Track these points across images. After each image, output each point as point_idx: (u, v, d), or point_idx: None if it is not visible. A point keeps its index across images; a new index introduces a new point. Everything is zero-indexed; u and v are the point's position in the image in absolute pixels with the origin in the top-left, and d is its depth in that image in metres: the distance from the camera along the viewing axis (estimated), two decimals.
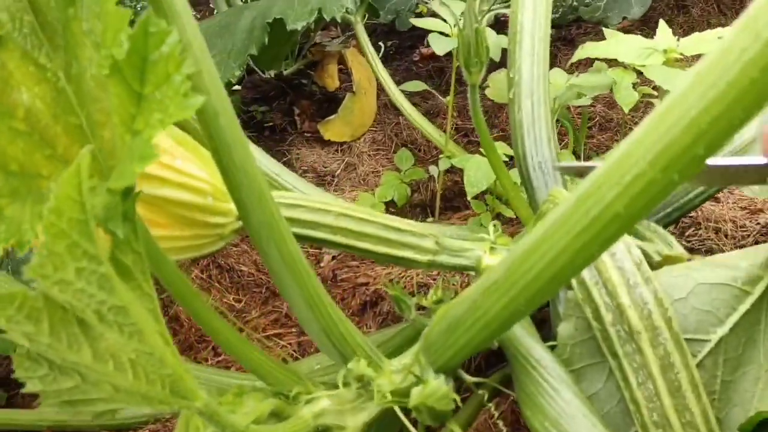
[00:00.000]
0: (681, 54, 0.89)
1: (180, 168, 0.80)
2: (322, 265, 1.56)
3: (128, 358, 0.64)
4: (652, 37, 1.24)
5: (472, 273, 1.28)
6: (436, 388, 0.72)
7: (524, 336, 0.89)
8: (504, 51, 1.21)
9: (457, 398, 0.72)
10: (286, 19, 1.41)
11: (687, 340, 0.81)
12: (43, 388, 0.64)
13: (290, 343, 1.30)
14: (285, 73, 2.35)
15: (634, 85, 1.38)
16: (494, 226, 0.99)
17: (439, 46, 1.18)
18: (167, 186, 0.78)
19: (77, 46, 0.67)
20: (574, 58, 1.04)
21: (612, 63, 1.68)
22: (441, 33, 1.22)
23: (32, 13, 0.68)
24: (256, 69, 2.33)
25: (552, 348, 0.90)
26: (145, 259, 0.64)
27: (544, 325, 1.02)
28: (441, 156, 1.50)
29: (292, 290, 0.82)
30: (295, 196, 0.92)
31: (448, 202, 1.77)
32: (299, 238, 0.92)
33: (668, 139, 0.45)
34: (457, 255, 0.96)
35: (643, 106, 1.98)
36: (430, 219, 1.62)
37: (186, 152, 0.82)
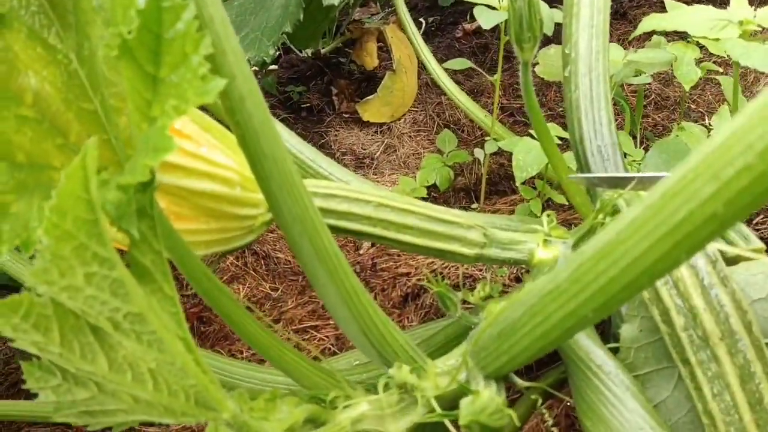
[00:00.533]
0: (759, 26, 0.79)
1: (206, 156, 0.73)
2: (360, 252, 1.50)
3: (148, 367, 0.58)
4: (716, 8, 1.13)
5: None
6: (488, 401, 0.65)
7: (583, 338, 0.81)
8: (557, 26, 1.12)
9: (513, 415, 0.65)
10: None
11: None
12: (57, 399, 0.59)
13: (327, 336, 1.24)
14: (322, 51, 2.27)
15: (697, 61, 1.28)
16: (548, 216, 0.90)
17: (485, 19, 1.09)
18: (192, 176, 0.72)
19: (88, 24, 0.60)
20: (638, 31, 0.95)
21: (671, 37, 1.56)
22: (487, 6, 1.14)
23: None
24: (293, 48, 2.26)
25: (613, 350, 0.82)
26: (165, 259, 0.58)
27: (603, 324, 0.94)
28: (487, 138, 1.41)
29: (328, 288, 0.75)
30: (331, 185, 0.85)
31: (493, 186, 1.68)
32: (336, 230, 0.85)
33: None
34: (507, 248, 0.88)
35: (703, 83, 1.85)
36: (475, 205, 1.54)
37: (212, 139, 0.75)
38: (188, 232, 0.75)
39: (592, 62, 0.88)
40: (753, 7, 0.87)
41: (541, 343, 0.61)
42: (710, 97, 1.86)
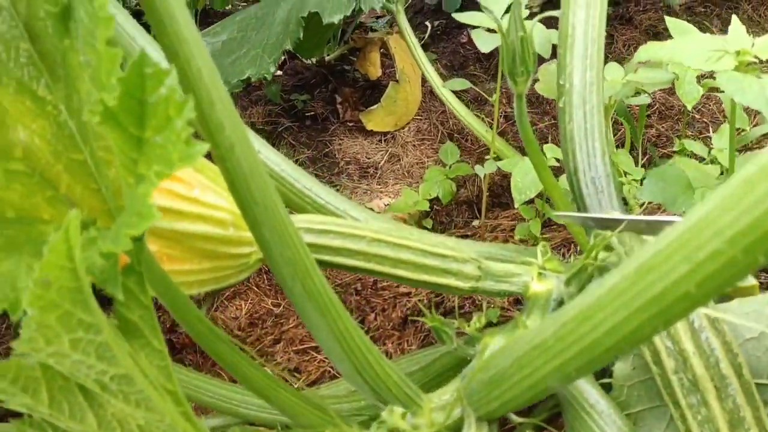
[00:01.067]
0: (756, 57, 0.79)
1: (198, 198, 0.74)
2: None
3: (137, 424, 0.59)
4: (716, 18, 1.12)
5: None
6: None
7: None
8: (554, 46, 1.11)
9: None
10: (322, 13, 1.33)
11: (759, 385, 0.72)
12: None
13: (327, 359, 1.25)
14: (327, 58, 2.27)
15: (699, 77, 1.27)
16: (542, 247, 0.90)
17: (483, 43, 1.08)
18: (184, 219, 0.72)
19: (77, 78, 0.61)
20: (634, 61, 0.94)
21: None
22: (486, 29, 1.13)
23: (29, 41, 0.62)
24: (297, 55, 2.26)
25: (606, 385, 0.82)
26: (154, 314, 0.58)
27: None
28: (487, 157, 1.41)
29: (320, 329, 0.76)
30: (326, 219, 0.85)
31: (496, 198, 1.68)
32: (330, 265, 0.85)
33: (757, 214, 0.36)
34: (501, 280, 0.88)
35: (707, 94, 1.83)
36: (476, 222, 1.53)
37: (205, 180, 0.76)
38: (181, 273, 0.76)
39: (586, 95, 0.88)
40: (751, 35, 0.86)
41: (529, 393, 0.61)
42: (714, 107, 1.85)
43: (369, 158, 2.01)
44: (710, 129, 1.78)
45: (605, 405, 0.77)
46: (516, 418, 0.80)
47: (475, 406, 0.73)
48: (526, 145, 0.91)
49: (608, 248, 0.81)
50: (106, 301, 0.55)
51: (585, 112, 0.88)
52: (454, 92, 1.74)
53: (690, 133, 1.74)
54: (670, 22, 1.20)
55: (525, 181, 1.17)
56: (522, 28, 0.81)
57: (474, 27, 1.15)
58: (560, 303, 0.84)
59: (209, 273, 0.78)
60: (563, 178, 1.07)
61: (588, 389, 0.79)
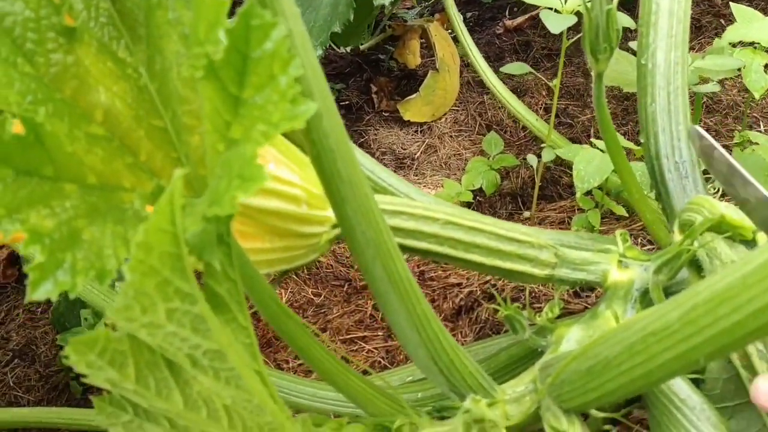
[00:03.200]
0: None
1: (272, 173, 0.70)
2: (406, 259, 1.46)
3: (223, 404, 0.55)
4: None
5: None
6: None
7: None
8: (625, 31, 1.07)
9: None
10: None
11: None
12: None
13: (377, 348, 1.21)
14: (362, 48, 2.23)
15: (765, 68, 1.22)
16: (621, 234, 0.86)
17: (553, 24, 1.04)
18: (259, 194, 0.68)
19: (161, 37, 0.57)
20: (723, 41, 0.90)
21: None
22: (553, 8, 1.09)
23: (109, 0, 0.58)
24: (332, 43, 2.22)
25: (696, 382, 0.77)
26: (241, 288, 0.54)
27: None
28: (542, 145, 1.36)
29: (399, 313, 0.72)
30: (396, 200, 0.81)
31: (540, 191, 1.63)
32: (402, 248, 0.81)
33: None
34: (579, 268, 0.84)
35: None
36: (526, 213, 1.49)
37: (278, 154, 0.72)
38: (252, 251, 0.72)
39: (670, 75, 0.84)
40: None
41: (639, 383, 0.57)
42: (765, 102, 1.80)
43: (405, 149, 1.97)
44: (761, 124, 1.73)
45: (697, 400, 0.73)
46: (599, 414, 0.76)
47: (564, 397, 0.68)
48: (601, 126, 0.86)
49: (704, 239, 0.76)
50: None
51: (669, 93, 0.84)
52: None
53: (740, 128, 1.69)
54: (736, 8, 1.16)
55: (588, 169, 1.12)
56: (609, 1, 0.77)
57: (542, 7, 1.11)
58: (644, 293, 0.80)
59: (279, 252, 0.74)
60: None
61: (678, 382, 0.74)
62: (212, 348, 0.50)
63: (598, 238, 0.89)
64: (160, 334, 0.47)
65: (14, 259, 1.59)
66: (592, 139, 1.23)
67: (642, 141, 0.89)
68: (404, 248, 0.81)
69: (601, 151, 1.13)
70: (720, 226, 0.74)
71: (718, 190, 0.95)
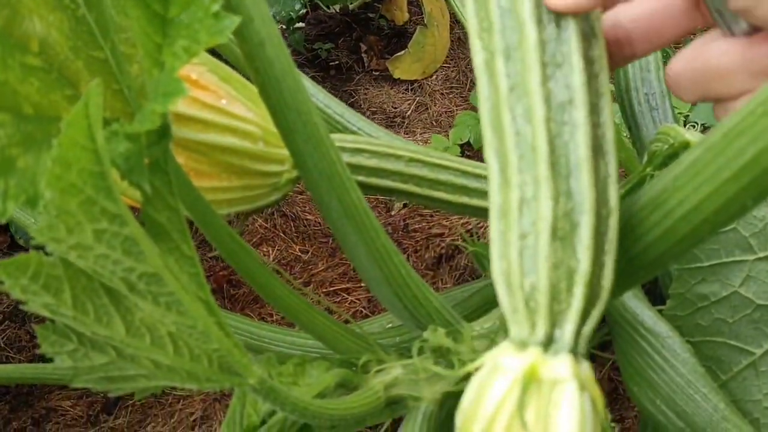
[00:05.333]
0: None
1: (225, 109, 0.69)
2: (392, 213, 1.45)
3: (167, 331, 0.55)
4: None
5: None
6: None
7: (630, 298, 0.76)
8: None
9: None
10: None
11: None
12: (74, 364, 0.56)
13: (359, 299, 1.21)
14: (351, 6, 2.20)
15: None
16: None
17: None
18: (211, 130, 0.68)
19: None
20: None
21: None
22: None
23: None
24: (320, 4, 2.19)
25: (662, 313, 0.77)
26: (182, 217, 0.54)
27: (649, 285, 0.89)
28: None
29: (358, 248, 0.71)
30: (359, 139, 0.80)
31: None
32: (364, 187, 0.81)
33: None
34: None
35: None
36: None
37: (232, 90, 0.71)
38: (209, 190, 0.72)
39: None
40: None
41: None
42: None
43: (396, 108, 1.96)
44: None
45: (663, 328, 0.73)
46: None
47: None
48: None
49: (665, 164, 0.75)
50: None
51: None
52: None
53: None
54: None
55: None
56: None
57: None
58: None
59: (239, 191, 0.74)
60: None
61: (643, 311, 0.74)
62: (147, 271, 0.50)
63: None
64: (90, 256, 0.47)
65: (4, 227, 1.60)
66: None
67: (614, 74, 0.88)
68: (367, 187, 0.80)
69: None
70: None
71: (686, 118, 0.93)
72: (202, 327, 0.54)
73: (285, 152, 0.76)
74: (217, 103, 0.68)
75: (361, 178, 0.79)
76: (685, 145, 0.74)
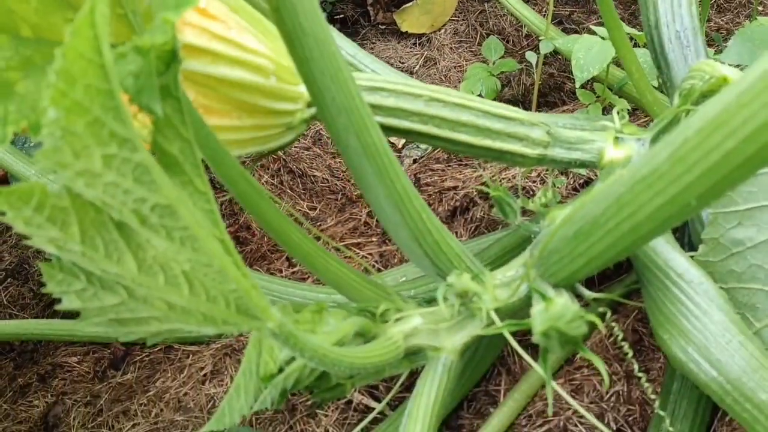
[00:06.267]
0: None
1: (235, 40, 0.65)
2: (403, 168, 1.41)
3: (182, 270, 0.51)
4: None
5: (581, 172, 1.11)
6: (564, 308, 0.57)
7: (661, 243, 0.72)
8: None
9: (597, 320, 0.57)
10: None
11: None
12: (83, 305, 0.53)
13: (371, 254, 1.18)
14: None
15: None
16: (619, 112, 0.81)
17: None
18: (221, 62, 0.64)
19: None
20: None
21: None
22: None
23: None
24: None
25: (693, 259, 0.73)
26: (196, 149, 0.50)
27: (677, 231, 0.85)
28: (541, 38, 1.29)
29: (376, 189, 0.68)
30: (377, 77, 0.76)
31: (542, 97, 1.57)
32: (382, 129, 0.76)
33: None
34: (573, 147, 0.79)
35: None
36: None
37: (242, 21, 0.67)
38: (220, 129, 0.68)
39: None
40: None
41: (628, 239, 0.53)
42: None
43: (403, 62, 1.90)
44: None
45: (695, 274, 0.69)
46: (590, 293, 0.73)
47: (551, 270, 0.65)
48: (601, 6, 0.80)
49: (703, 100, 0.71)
50: None
51: None
52: None
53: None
54: None
55: (588, 56, 1.06)
56: None
57: None
58: None
59: (250, 131, 0.70)
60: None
61: (675, 257, 0.71)
62: (160, 203, 0.46)
63: (594, 117, 0.84)
64: (98, 184, 0.44)
65: (5, 181, 1.56)
66: (591, 26, 1.16)
67: (641, 11, 0.83)
68: (385, 128, 0.76)
69: (602, 38, 1.07)
70: (721, 89, 0.69)
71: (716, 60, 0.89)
72: (218, 266, 0.51)
73: (299, 89, 0.72)
74: (226, 34, 0.64)
75: (378, 118, 0.75)
76: (723, 81, 0.70)
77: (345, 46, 0.88)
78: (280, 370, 0.65)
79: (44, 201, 0.44)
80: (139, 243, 0.49)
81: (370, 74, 0.79)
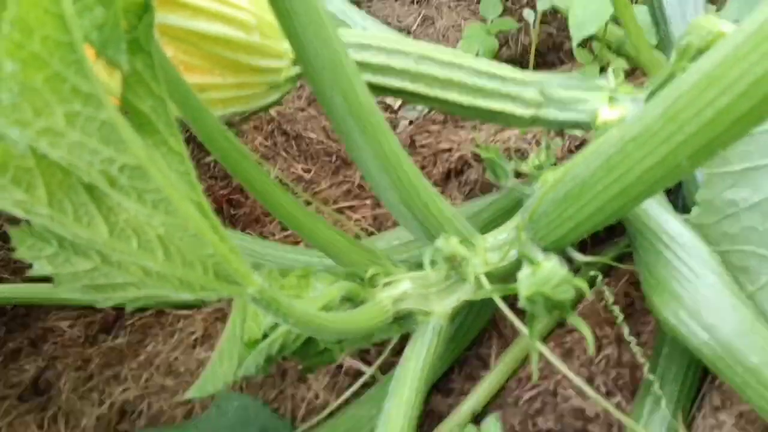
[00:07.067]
0: None
1: None
2: (398, 131, 1.39)
3: (156, 234, 0.50)
4: None
5: (577, 133, 1.08)
6: (551, 272, 0.56)
7: (653, 205, 0.71)
8: None
9: (584, 285, 0.56)
10: None
11: None
12: (55, 271, 0.51)
13: (364, 217, 1.16)
14: None
15: None
16: (614, 71, 0.78)
17: None
18: (201, 16, 0.61)
19: None
20: None
21: None
22: None
23: None
24: None
25: (686, 221, 0.72)
26: (168, 107, 0.48)
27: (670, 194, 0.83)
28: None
29: (364, 151, 0.66)
30: (365, 34, 0.74)
31: (541, 57, 1.54)
32: (371, 88, 0.74)
33: None
34: (567, 108, 0.77)
35: None
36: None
37: None
38: (201, 87, 0.66)
39: None
40: None
41: (618, 202, 0.51)
42: None
43: (400, 22, 1.86)
44: None
45: (688, 236, 0.68)
46: (581, 257, 0.71)
47: (541, 233, 0.63)
48: None
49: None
50: None
51: None
52: None
53: None
54: None
55: (586, 13, 1.03)
56: None
57: None
58: None
59: (233, 90, 0.68)
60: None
61: (667, 219, 0.69)
62: (129, 163, 0.44)
63: (588, 77, 0.81)
64: (63, 144, 0.42)
65: None
66: None
67: None
68: (374, 87, 0.74)
69: None
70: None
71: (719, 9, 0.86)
72: (194, 229, 0.49)
73: (284, 46, 0.69)
74: None
75: (367, 77, 0.73)
76: (721, 37, 0.67)
77: (335, 1, 0.85)
78: (265, 336, 0.64)
79: (7, 161, 0.42)
80: (110, 206, 0.47)
81: (359, 31, 0.76)
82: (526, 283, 0.56)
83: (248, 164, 0.64)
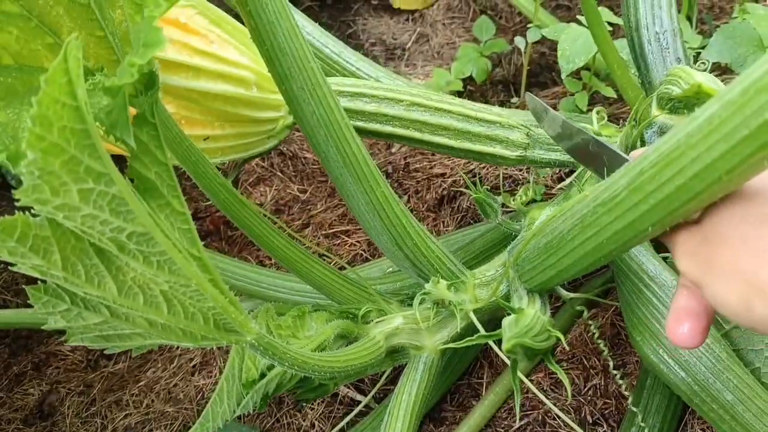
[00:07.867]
0: None
1: (217, 54, 0.66)
2: (393, 152, 1.42)
3: (160, 290, 0.53)
4: None
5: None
6: (533, 321, 0.59)
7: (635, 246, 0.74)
8: None
9: (561, 336, 0.59)
10: None
11: None
12: (67, 325, 0.55)
13: (359, 242, 1.19)
14: None
15: None
16: (597, 113, 0.82)
17: None
18: (202, 76, 0.65)
19: None
20: None
21: None
22: None
23: None
24: None
25: (666, 261, 0.75)
26: (172, 172, 0.52)
27: None
28: (530, 25, 1.29)
29: (357, 198, 0.69)
30: (358, 82, 0.77)
31: (533, 77, 1.57)
32: (364, 132, 0.78)
33: None
34: (552, 149, 0.81)
35: None
36: (514, 99, 1.44)
37: (224, 34, 0.67)
38: (202, 139, 0.69)
39: None
40: None
41: (592, 257, 0.55)
42: None
43: (396, 39, 1.89)
44: None
45: (668, 277, 0.71)
46: (567, 294, 0.75)
47: (526, 277, 0.67)
48: None
49: (672, 112, 0.72)
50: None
51: None
52: None
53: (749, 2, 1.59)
54: None
55: (573, 47, 1.06)
56: None
57: None
58: None
59: (233, 139, 0.71)
60: (617, 42, 0.96)
61: (647, 258, 0.72)
62: (137, 231, 0.48)
63: (574, 117, 0.85)
64: (77, 217, 0.45)
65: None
66: (578, 17, 1.16)
67: (622, 12, 0.83)
68: (367, 132, 0.78)
69: (587, 28, 1.07)
70: (698, 96, 0.70)
71: (698, 56, 0.90)
72: (195, 285, 0.53)
73: (280, 97, 0.72)
74: (208, 48, 0.65)
75: (360, 123, 0.76)
76: (697, 88, 0.71)
77: (330, 43, 0.89)
78: (263, 375, 0.67)
79: (27, 232, 0.46)
80: (118, 266, 0.51)
81: (353, 79, 0.80)
82: (508, 334, 0.60)
83: (244, 210, 0.68)
